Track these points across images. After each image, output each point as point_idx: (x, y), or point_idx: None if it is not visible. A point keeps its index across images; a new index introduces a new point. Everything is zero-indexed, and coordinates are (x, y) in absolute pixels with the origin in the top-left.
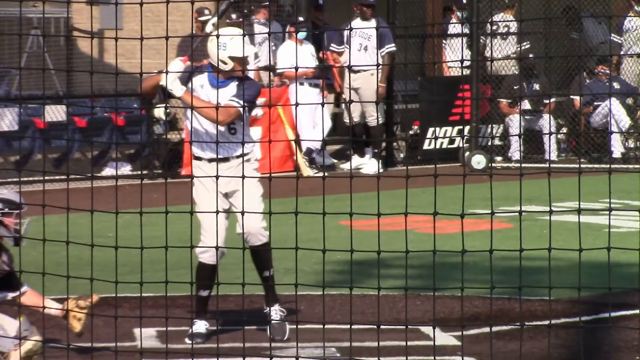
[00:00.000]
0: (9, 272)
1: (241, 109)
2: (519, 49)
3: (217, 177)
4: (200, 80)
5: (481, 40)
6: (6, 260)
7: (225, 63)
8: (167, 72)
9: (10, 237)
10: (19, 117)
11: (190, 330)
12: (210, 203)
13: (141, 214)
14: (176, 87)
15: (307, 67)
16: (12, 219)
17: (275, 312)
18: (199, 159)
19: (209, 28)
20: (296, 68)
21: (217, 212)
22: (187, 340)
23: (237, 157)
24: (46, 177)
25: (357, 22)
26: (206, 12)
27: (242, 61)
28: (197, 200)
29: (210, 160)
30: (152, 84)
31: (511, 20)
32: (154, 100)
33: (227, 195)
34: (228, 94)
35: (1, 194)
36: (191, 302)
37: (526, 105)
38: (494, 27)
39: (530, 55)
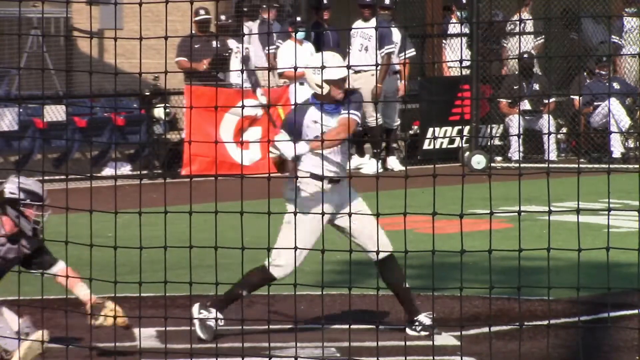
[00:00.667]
0: (38, 252)
1: (358, 119)
2: (536, 43)
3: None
4: (312, 116)
5: (503, 43)
6: (26, 244)
7: (320, 87)
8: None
9: (29, 229)
10: (18, 117)
11: (214, 319)
12: (316, 227)
13: (140, 214)
14: (301, 150)
15: (306, 67)
16: (33, 211)
17: (424, 320)
18: (321, 178)
19: (308, 58)
20: (295, 68)
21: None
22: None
23: (344, 177)
24: (46, 177)
25: (358, 23)
26: (201, 12)
27: (337, 84)
28: (302, 217)
29: (330, 182)
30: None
31: (516, 20)
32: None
33: (332, 219)
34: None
35: (25, 184)
36: (190, 301)
37: (526, 105)
38: (511, 27)
39: (525, 56)
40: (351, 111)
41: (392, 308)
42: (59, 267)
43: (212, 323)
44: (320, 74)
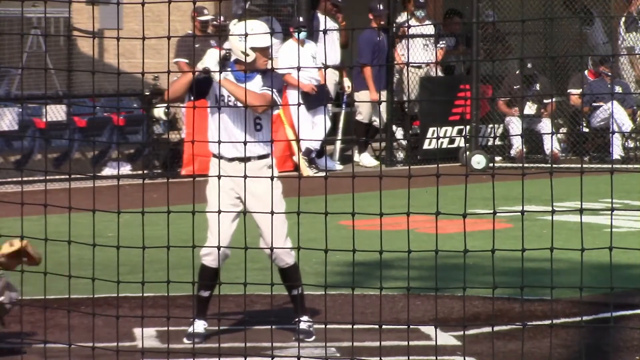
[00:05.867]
0: None
1: (276, 99)
2: None
3: (216, 176)
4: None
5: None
6: None
7: (247, 55)
8: (224, 69)
9: None
10: (19, 117)
11: (190, 330)
12: (222, 205)
13: (143, 214)
14: (215, 73)
15: (307, 67)
16: None
17: (304, 324)
18: (219, 157)
19: (233, 23)
20: (298, 68)
21: (220, 211)
22: (185, 340)
23: (259, 157)
24: (47, 177)
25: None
26: (205, 12)
27: (264, 52)
28: (208, 200)
29: (230, 160)
30: (184, 82)
31: (516, 20)
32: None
33: (241, 199)
34: (255, 87)
35: None
36: (193, 302)
37: (527, 110)
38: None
39: (529, 65)
40: (267, 88)
41: (393, 308)
42: None
43: (200, 330)
44: (245, 41)
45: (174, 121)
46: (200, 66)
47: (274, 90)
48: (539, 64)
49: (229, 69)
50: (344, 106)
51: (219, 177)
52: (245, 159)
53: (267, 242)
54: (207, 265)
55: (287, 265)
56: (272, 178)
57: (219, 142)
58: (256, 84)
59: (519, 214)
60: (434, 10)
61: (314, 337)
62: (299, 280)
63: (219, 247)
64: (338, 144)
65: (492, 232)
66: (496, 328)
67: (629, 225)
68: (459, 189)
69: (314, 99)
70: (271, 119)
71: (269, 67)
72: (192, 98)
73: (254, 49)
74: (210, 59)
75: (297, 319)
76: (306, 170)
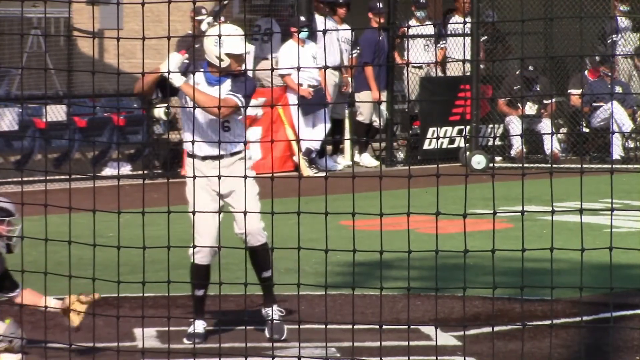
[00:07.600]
0: (2, 274)
1: (239, 103)
2: None
3: (215, 176)
4: (197, 78)
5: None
6: None
7: (221, 60)
8: (168, 69)
9: (2, 245)
10: (19, 117)
11: (190, 330)
12: (203, 202)
13: (143, 214)
14: (176, 77)
15: (307, 67)
16: (4, 227)
17: (275, 313)
18: (192, 156)
19: (204, 27)
20: (298, 68)
21: (220, 212)
22: (185, 341)
23: (231, 155)
24: (48, 177)
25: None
26: (203, 11)
27: (238, 58)
28: (189, 199)
29: (204, 158)
30: (149, 80)
31: (517, 20)
32: (153, 100)
33: (221, 195)
34: (224, 91)
35: None
36: (192, 302)
37: (528, 110)
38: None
39: (531, 68)
40: (232, 93)
41: (393, 308)
42: (19, 291)
43: (200, 330)
44: (220, 46)
45: (174, 121)
46: (162, 69)
47: (239, 95)
48: (539, 64)
49: (201, 70)
50: (346, 106)
51: (218, 177)
52: (218, 157)
53: (240, 224)
54: (198, 264)
55: (259, 243)
56: (243, 177)
57: (219, 142)
58: (225, 87)
59: (519, 214)
60: (434, 10)
61: (285, 334)
62: (269, 261)
63: (219, 248)
64: (348, 144)
65: (492, 232)
66: (496, 328)
67: (629, 226)
68: (459, 189)
69: (312, 103)
70: (241, 120)
71: (258, 70)
72: (159, 96)
73: (228, 55)
74: (172, 63)
75: (268, 315)
76: (306, 171)
